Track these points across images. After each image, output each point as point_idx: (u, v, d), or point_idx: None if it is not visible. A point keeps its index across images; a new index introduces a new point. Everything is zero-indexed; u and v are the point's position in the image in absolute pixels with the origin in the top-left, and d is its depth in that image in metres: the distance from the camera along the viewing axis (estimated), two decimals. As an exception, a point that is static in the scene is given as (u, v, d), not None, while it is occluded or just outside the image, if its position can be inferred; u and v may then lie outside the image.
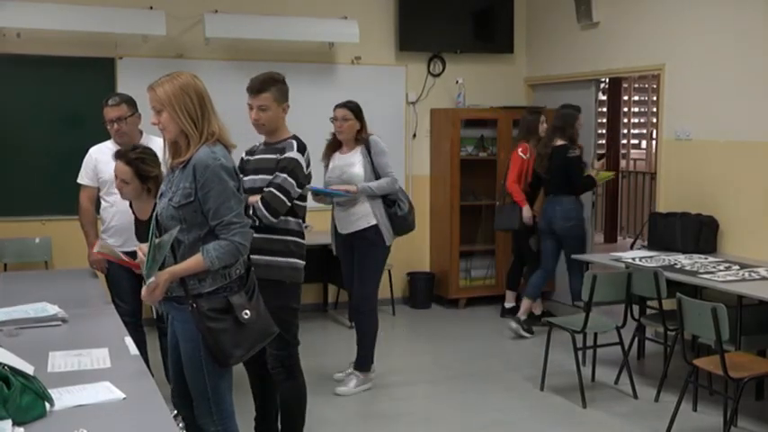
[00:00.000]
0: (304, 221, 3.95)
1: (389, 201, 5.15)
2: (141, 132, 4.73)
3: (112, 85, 6.45)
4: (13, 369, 2.44)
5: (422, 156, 7.76)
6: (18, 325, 3.48)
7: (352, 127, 5.13)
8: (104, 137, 4.79)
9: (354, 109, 5.15)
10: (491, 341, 6.55)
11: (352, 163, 5.10)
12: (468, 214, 7.73)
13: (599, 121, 8.33)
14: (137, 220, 4.19)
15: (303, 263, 3.91)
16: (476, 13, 7.74)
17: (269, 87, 3.81)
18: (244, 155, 3.99)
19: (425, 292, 7.63)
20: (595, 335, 5.46)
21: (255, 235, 3.67)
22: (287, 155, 3.78)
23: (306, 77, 6.93)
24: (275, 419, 4.14)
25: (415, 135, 7.70)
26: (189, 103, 2.91)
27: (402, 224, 5.20)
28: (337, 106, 5.18)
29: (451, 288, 7.59)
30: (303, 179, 3.80)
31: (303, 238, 3.92)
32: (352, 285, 5.34)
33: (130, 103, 4.65)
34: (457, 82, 7.55)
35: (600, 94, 7.73)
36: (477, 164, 7.78)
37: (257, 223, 3.71)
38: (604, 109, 10.67)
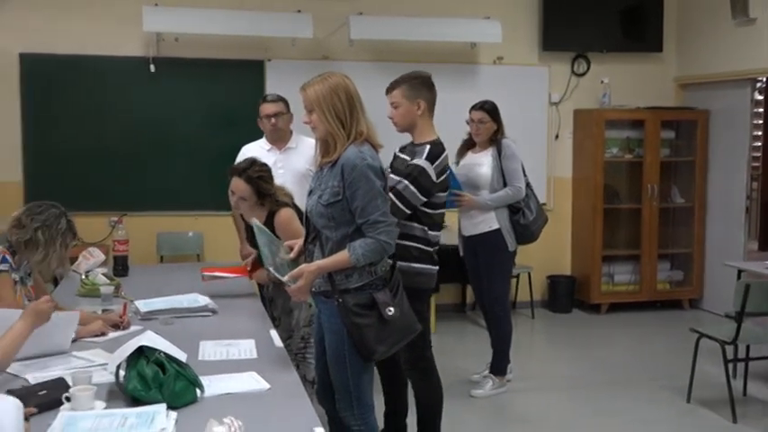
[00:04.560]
0: (437, 228, 3.82)
1: (514, 208, 5.06)
2: (291, 132, 4.93)
3: (262, 87, 6.68)
4: (168, 356, 2.58)
5: (564, 157, 7.61)
6: (173, 314, 3.69)
7: (488, 129, 5.08)
8: (256, 135, 4.99)
9: (491, 110, 5.07)
10: (633, 349, 6.36)
11: (481, 163, 5.05)
12: (612, 217, 7.53)
13: (755, 122, 7.90)
14: (247, 226, 4.13)
15: (430, 268, 3.80)
16: (623, 11, 7.50)
17: (399, 84, 3.76)
18: (397, 150, 3.95)
19: (566, 295, 7.48)
20: (747, 347, 5.20)
21: None
22: (414, 161, 3.71)
23: (448, 78, 6.82)
24: (404, 416, 4.15)
25: (557, 136, 7.56)
26: (337, 104, 2.96)
27: (523, 233, 5.08)
28: (473, 108, 5.09)
29: (593, 293, 7.40)
30: (430, 186, 3.69)
31: (430, 245, 3.78)
32: (476, 286, 5.34)
33: (286, 102, 4.91)
34: (602, 82, 7.37)
35: (756, 93, 7.33)
36: (622, 166, 7.57)
37: None
38: (761, 110, 10.10)
